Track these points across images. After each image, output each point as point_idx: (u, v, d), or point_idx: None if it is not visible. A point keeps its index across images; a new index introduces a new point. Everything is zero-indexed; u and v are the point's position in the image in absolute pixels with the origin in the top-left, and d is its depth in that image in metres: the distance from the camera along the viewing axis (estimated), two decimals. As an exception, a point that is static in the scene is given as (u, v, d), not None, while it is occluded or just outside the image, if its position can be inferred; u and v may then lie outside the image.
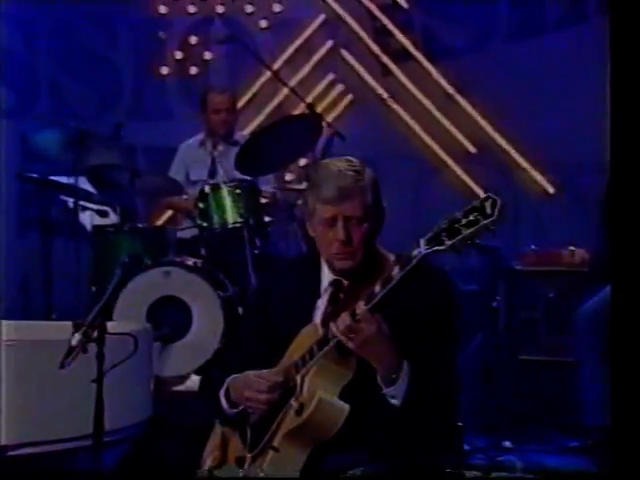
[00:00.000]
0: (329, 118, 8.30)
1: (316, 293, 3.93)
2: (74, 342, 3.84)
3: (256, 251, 6.61)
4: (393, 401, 3.69)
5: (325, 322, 3.81)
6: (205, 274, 6.48)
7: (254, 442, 3.84)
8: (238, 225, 6.53)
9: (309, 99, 8.38)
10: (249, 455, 3.83)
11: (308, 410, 3.70)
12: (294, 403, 3.74)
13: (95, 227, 6.97)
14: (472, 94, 8.41)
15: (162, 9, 8.70)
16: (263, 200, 6.74)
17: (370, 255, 3.83)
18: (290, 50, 8.61)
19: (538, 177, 8.35)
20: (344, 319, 3.62)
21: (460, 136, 8.41)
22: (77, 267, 7.01)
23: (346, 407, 3.70)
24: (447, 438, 3.98)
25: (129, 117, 8.42)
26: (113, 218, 7.08)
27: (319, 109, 8.33)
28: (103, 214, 7.02)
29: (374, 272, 3.77)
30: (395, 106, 8.42)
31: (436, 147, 8.40)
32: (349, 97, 8.55)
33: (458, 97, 8.42)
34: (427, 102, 8.45)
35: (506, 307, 6.85)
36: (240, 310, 6.44)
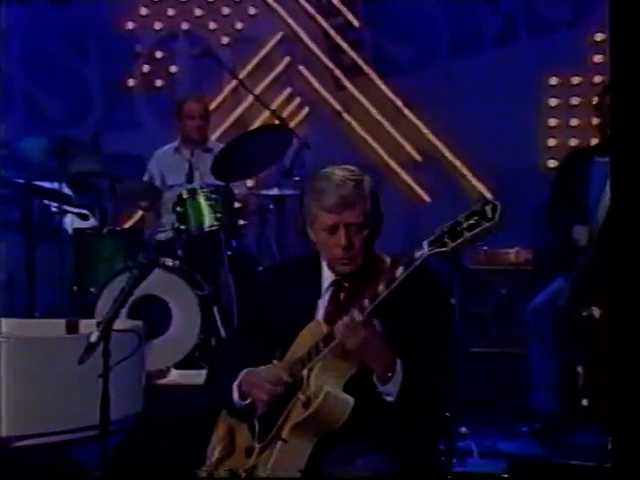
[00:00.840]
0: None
1: (317, 292, 3.91)
2: (93, 339, 3.83)
3: (230, 252, 6.57)
4: (388, 398, 3.69)
5: (329, 320, 3.79)
6: (183, 274, 6.49)
7: (262, 433, 3.82)
8: (215, 228, 6.51)
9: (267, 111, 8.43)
10: (258, 446, 3.81)
11: (316, 403, 3.69)
12: (301, 396, 3.72)
13: (76, 230, 6.92)
14: (419, 107, 8.44)
15: (129, 25, 8.67)
16: (237, 204, 6.72)
17: (369, 258, 3.82)
18: (250, 65, 8.58)
19: (477, 183, 8.38)
20: (346, 320, 3.62)
21: (408, 146, 8.43)
22: (58, 268, 6.92)
23: (351, 400, 3.69)
24: (438, 428, 4.04)
25: (99, 127, 8.33)
26: (92, 221, 7.00)
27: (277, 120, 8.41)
28: (83, 217, 6.94)
29: (372, 273, 3.78)
30: (348, 118, 8.42)
31: (386, 156, 8.43)
32: (306, 110, 8.56)
33: (406, 110, 8.43)
34: (377, 114, 8.45)
35: (459, 303, 6.91)
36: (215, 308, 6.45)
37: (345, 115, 8.45)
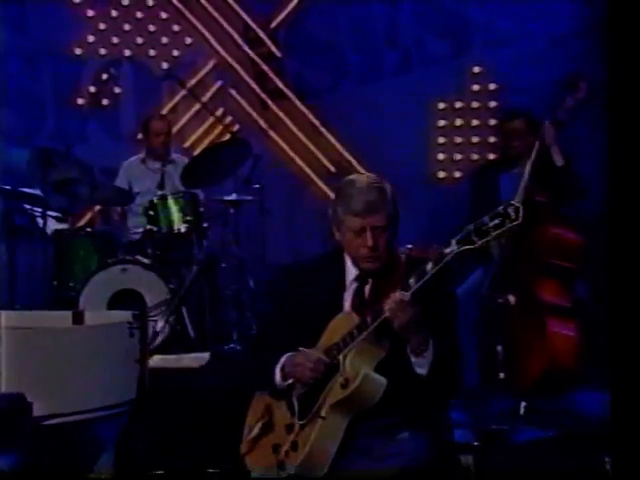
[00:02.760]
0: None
1: (342, 286, 3.85)
2: (158, 328, 3.75)
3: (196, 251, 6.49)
4: (420, 370, 3.64)
5: (359, 311, 3.74)
6: (157, 270, 6.36)
7: (302, 412, 3.74)
8: (184, 230, 6.42)
9: (203, 128, 8.33)
10: (299, 423, 3.74)
11: (354, 384, 3.63)
12: (340, 378, 3.66)
13: (55, 231, 6.74)
14: (332, 126, 8.45)
15: (78, 51, 8.45)
16: (201, 208, 6.63)
17: (389, 256, 3.78)
18: (186, 88, 8.40)
19: (381, 191, 8.39)
20: (394, 300, 3.56)
21: (323, 159, 8.44)
22: (39, 265, 6.75)
23: (384, 381, 3.65)
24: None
25: (51, 141, 8.10)
26: (68, 224, 6.81)
27: (211, 137, 8.32)
28: (60, 220, 6.75)
29: (391, 269, 3.76)
30: (273, 135, 8.39)
31: (305, 168, 8.43)
32: (236, 127, 8.46)
33: (322, 128, 8.44)
34: (298, 131, 8.44)
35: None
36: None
37: (270, 132, 8.38)
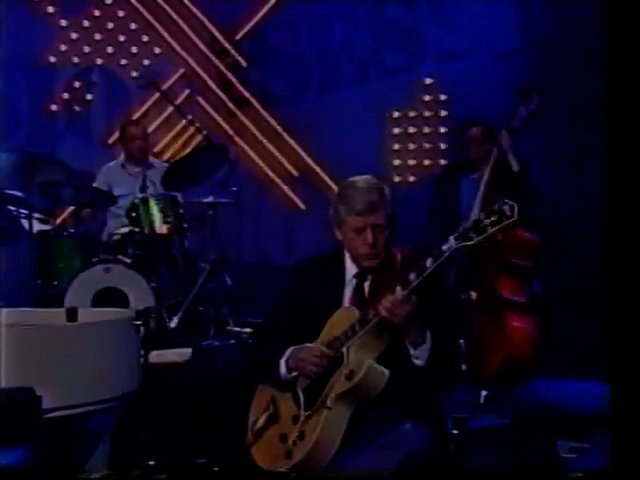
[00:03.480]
0: (187, 150, 8.22)
1: (342, 283, 3.84)
2: (173, 325, 3.70)
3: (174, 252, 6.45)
4: (417, 362, 3.64)
5: (359, 306, 3.73)
6: (139, 269, 6.28)
7: (308, 403, 3.72)
8: (165, 231, 6.35)
9: (172, 134, 8.24)
10: (305, 413, 3.71)
11: (359, 375, 3.61)
12: (344, 370, 3.64)
13: (39, 232, 6.63)
14: (294, 132, 8.42)
15: (52, 59, 8.35)
16: (181, 210, 6.56)
17: (388, 254, 3.77)
18: (156, 96, 8.31)
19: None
20: (388, 300, 3.54)
21: (286, 163, 8.42)
22: (24, 264, 6.60)
23: (387, 372, 3.63)
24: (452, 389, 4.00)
25: (26, 145, 7.95)
26: (51, 225, 6.70)
27: (179, 142, 8.24)
28: (44, 221, 6.62)
29: (389, 266, 3.76)
30: (239, 140, 8.34)
31: (269, 171, 8.39)
32: (203, 133, 8.35)
33: (284, 134, 8.42)
34: (261, 137, 8.40)
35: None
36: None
37: (236, 138, 8.34)
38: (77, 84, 8.30)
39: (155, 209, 6.39)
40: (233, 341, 6.24)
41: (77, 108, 8.22)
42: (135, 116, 8.25)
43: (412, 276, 3.57)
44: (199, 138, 8.29)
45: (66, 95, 8.31)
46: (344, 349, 3.67)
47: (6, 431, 3.81)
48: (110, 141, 8.32)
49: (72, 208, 7.46)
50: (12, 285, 6.66)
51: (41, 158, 6.52)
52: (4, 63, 8.13)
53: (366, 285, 3.82)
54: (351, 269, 3.83)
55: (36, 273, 6.49)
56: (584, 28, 7.54)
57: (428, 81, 8.32)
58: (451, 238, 3.49)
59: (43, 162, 6.50)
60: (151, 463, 4.76)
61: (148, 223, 6.38)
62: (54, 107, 8.32)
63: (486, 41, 8.09)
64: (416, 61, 8.33)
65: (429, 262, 3.54)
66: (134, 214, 6.40)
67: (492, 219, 3.40)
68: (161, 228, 6.38)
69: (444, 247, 3.50)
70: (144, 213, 6.39)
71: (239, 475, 4.43)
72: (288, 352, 3.78)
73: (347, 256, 3.84)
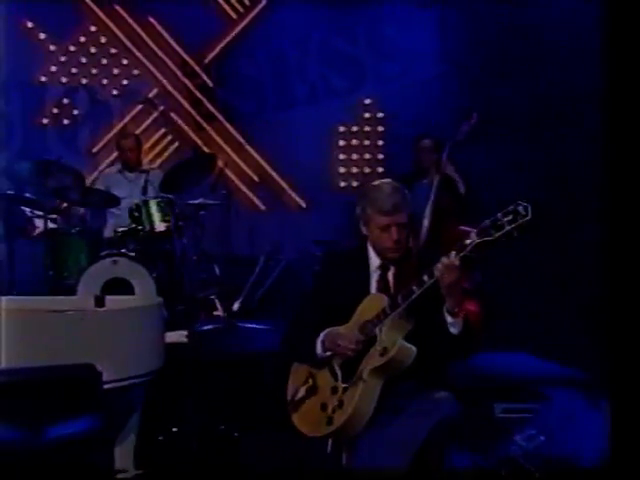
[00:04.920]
0: (163, 158, 8.13)
1: (367, 274, 3.79)
2: (235, 307, 3.69)
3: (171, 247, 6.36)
4: (453, 330, 3.55)
5: (384, 293, 3.70)
6: (142, 262, 6.19)
7: (345, 376, 3.68)
8: (163, 229, 6.27)
9: (147, 145, 8.13)
10: (343, 385, 3.67)
11: (392, 352, 3.58)
12: (378, 347, 3.61)
13: (50, 229, 6.48)
14: (254, 144, 8.38)
15: (42, 79, 8.19)
16: (177, 210, 6.47)
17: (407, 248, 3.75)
18: (134, 111, 8.27)
19: (295, 196, 8.42)
20: (443, 263, 3.44)
21: (248, 170, 8.38)
22: (35, 258, 6.50)
23: (414, 349, 3.60)
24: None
25: (19, 154, 7.83)
26: (60, 223, 6.56)
27: (154, 152, 8.14)
28: (54, 220, 6.49)
29: (408, 258, 3.74)
30: (207, 150, 8.20)
31: (234, 177, 8.32)
32: (176, 144, 8.34)
33: (247, 146, 8.38)
34: (228, 148, 8.34)
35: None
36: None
37: (205, 148, 8.24)
38: (65, 100, 8.16)
39: (155, 209, 6.31)
40: (222, 325, 6.25)
41: (65, 121, 8.20)
42: (116, 129, 8.15)
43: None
44: (173, 147, 8.32)
45: (55, 110, 8.17)
46: (377, 329, 3.63)
47: (72, 403, 3.80)
48: (94, 150, 8.19)
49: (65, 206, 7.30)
50: (27, 277, 6.53)
51: (53, 165, 6.40)
52: (1, 83, 7.98)
53: (389, 275, 3.78)
54: (375, 261, 3.80)
55: (48, 266, 6.37)
56: (502, 50, 7.76)
57: (368, 101, 8.42)
58: (473, 234, 3.44)
59: (55, 168, 6.38)
60: (174, 430, 4.76)
61: (149, 222, 6.30)
62: (45, 120, 8.16)
63: (416, 66, 8.22)
64: (357, 84, 8.39)
65: (452, 255, 3.46)
66: (136, 214, 6.30)
67: (508, 218, 3.35)
68: (160, 226, 6.30)
69: (467, 241, 3.44)
70: (145, 213, 6.29)
71: (257, 438, 4.49)
72: (322, 334, 3.74)
73: (370, 250, 3.80)
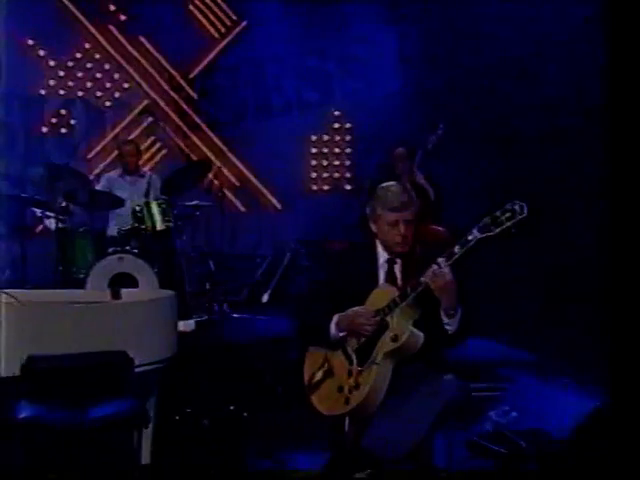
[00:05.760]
0: (152, 164, 8.11)
1: (375, 266, 3.75)
2: (264, 300, 3.70)
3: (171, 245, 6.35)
4: (449, 328, 3.56)
5: (392, 284, 3.67)
6: (145, 258, 6.15)
7: (359, 360, 3.64)
8: (164, 228, 6.27)
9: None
10: (358, 368, 3.63)
11: (403, 338, 3.57)
12: (390, 334, 3.59)
13: (59, 229, 6.40)
14: (235, 151, 8.42)
15: (42, 91, 8.16)
16: (175, 211, 6.48)
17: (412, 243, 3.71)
18: (126, 121, 8.28)
19: (272, 199, 8.47)
20: (432, 271, 3.43)
21: (229, 175, 8.39)
22: (45, 255, 6.48)
23: (423, 335, 3.58)
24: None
25: (22, 161, 7.84)
26: (68, 223, 6.52)
27: (145, 157, 8.13)
28: (62, 220, 6.45)
29: (413, 252, 3.71)
30: (192, 156, 8.23)
31: (215, 181, 8.21)
32: (164, 151, 8.35)
33: (228, 153, 8.40)
34: (210, 154, 8.33)
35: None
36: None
37: (190, 154, 8.24)
38: (63, 111, 8.14)
39: (156, 210, 6.26)
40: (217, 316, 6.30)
41: (63, 130, 8.16)
42: (109, 137, 8.14)
43: (441, 260, 3.45)
44: (161, 154, 8.32)
45: (54, 120, 8.14)
46: (388, 317, 3.59)
47: (109, 386, 3.84)
48: (89, 156, 8.17)
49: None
50: (39, 272, 6.50)
51: (63, 169, 6.37)
52: (4, 95, 7.89)
53: (396, 268, 3.73)
54: (382, 255, 3.75)
55: (58, 262, 6.32)
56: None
57: (337, 113, 8.52)
58: (475, 230, 3.41)
59: (65, 173, 6.35)
60: (188, 410, 4.76)
61: (151, 222, 6.24)
62: (44, 129, 8.13)
63: (380, 81, 8.30)
64: (328, 97, 8.49)
65: (457, 248, 3.45)
66: (139, 214, 6.25)
67: (507, 215, 3.34)
68: (161, 226, 6.24)
69: (470, 237, 3.41)
70: (147, 214, 6.23)
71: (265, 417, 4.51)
72: (336, 317, 3.69)
73: (378, 245, 3.75)
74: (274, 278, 4.13)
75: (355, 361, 3.66)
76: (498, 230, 3.34)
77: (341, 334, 3.69)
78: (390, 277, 3.74)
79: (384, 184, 3.79)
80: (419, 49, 8.11)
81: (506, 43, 7.46)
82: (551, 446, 3.92)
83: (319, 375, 3.75)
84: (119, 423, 3.71)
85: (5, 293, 4.35)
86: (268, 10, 8.23)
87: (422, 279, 3.50)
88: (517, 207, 3.33)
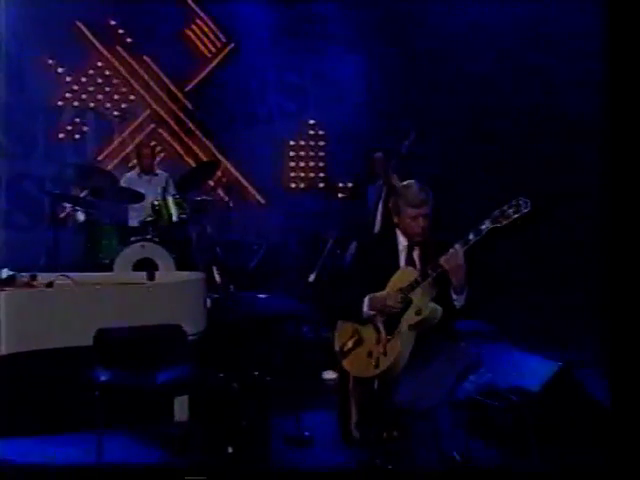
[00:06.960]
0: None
1: (396, 252, 3.81)
2: (311, 279, 3.82)
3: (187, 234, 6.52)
4: (457, 304, 3.62)
5: (414, 267, 3.72)
6: (164, 245, 6.30)
7: (387, 330, 3.70)
8: (179, 220, 6.38)
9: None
10: (386, 337, 3.68)
11: (425, 312, 3.62)
12: (414, 308, 3.64)
13: (88, 220, 6.52)
14: (225, 154, 8.43)
15: (59, 103, 8.18)
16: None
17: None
18: (131, 128, 8.32)
19: (259, 197, 8.58)
20: (448, 253, 3.49)
21: (220, 174, 8.40)
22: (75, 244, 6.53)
23: (441, 309, 3.62)
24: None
25: (43, 163, 7.80)
26: (95, 216, 6.60)
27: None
28: (89, 214, 6.52)
29: (429, 240, 3.77)
30: (187, 159, 8.33)
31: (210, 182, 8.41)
32: (162, 154, 8.35)
33: (219, 155, 8.42)
34: (203, 157, 8.33)
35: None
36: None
37: (185, 157, 8.34)
38: (77, 120, 8.16)
39: (172, 204, 6.41)
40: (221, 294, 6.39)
41: (77, 136, 8.19)
42: (116, 141, 8.20)
43: (457, 246, 3.48)
44: (160, 156, 8.33)
45: (69, 127, 8.16)
46: (411, 295, 3.65)
47: (169, 355, 3.96)
48: (99, 158, 8.20)
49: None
50: (69, 258, 6.55)
51: (93, 169, 6.41)
52: (28, 107, 7.94)
53: (414, 253, 3.80)
54: (402, 242, 3.80)
55: (87, 249, 6.43)
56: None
57: (312, 121, 8.62)
58: (487, 221, 3.44)
59: (93, 172, 6.40)
60: (221, 375, 4.86)
61: (168, 214, 6.38)
62: (61, 135, 8.15)
63: (350, 93, 8.38)
64: (303, 107, 8.55)
65: (471, 236, 3.49)
66: (158, 208, 6.37)
67: (513, 210, 3.39)
68: (177, 218, 6.40)
69: (482, 226, 3.45)
70: (165, 208, 6.37)
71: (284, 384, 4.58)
72: (367, 299, 3.71)
73: (399, 234, 3.80)
74: (319, 261, 4.11)
75: (383, 332, 3.73)
76: (506, 222, 3.41)
77: (372, 312, 3.75)
78: (409, 261, 3.81)
79: (405, 183, 3.83)
80: (388, 62, 8.15)
81: (499, 40, 7.43)
82: (532, 399, 4.03)
83: (350, 344, 3.80)
84: (181, 386, 3.82)
85: (63, 275, 4.50)
86: (253, 34, 8.35)
87: (441, 262, 3.58)
88: (522, 203, 3.41)
